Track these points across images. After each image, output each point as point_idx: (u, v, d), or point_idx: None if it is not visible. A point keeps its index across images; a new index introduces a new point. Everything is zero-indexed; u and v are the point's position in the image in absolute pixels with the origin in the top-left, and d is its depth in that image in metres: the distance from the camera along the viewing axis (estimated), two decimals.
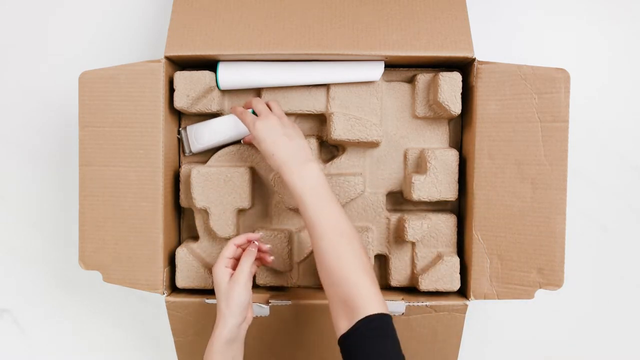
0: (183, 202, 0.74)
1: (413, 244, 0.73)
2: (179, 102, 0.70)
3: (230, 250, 0.64)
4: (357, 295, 0.54)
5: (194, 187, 0.71)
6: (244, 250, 0.65)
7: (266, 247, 0.66)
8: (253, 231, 0.73)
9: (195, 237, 0.76)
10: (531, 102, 0.66)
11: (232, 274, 0.62)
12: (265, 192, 0.74)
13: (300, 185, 0.60)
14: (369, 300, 0.54)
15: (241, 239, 0.65)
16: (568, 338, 0.85)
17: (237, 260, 0.65)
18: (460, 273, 0.72)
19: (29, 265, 0.86)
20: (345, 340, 0.54)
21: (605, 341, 0.85)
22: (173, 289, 0.73)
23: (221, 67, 0.70)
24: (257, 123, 0.64)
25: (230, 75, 0.70)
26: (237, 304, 0.60)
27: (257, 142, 0.64)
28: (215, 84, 0.71)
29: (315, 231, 0.59)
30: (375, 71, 0.70)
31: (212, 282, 0.63)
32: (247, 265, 0.62)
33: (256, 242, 0.65)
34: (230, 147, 0.73)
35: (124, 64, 0.68)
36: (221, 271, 0.62)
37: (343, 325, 0.54)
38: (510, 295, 0.68)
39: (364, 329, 0.53)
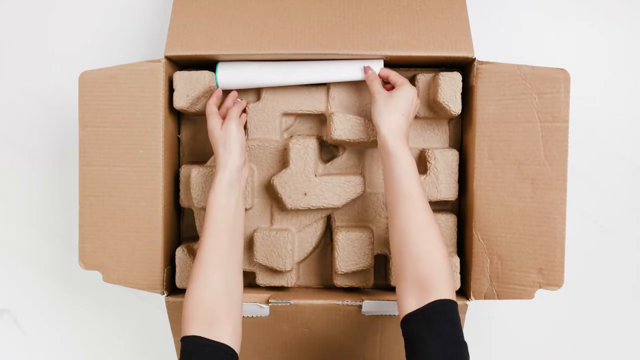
0: (183, 202, 0.74)
1: None
2: (179, 102, 0.70)
3: (213, 107, 0.67)
4: (437, 278, 0.55)
5: (193, 187, 0.71)
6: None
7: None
8: (254, 231, 0.73)
9: (195, 237, 0.76)
10: (531, 102, 0.66)
11: (224, 121, 0.65)
12: (265, 192, 0.74)
13: (403, 147, 0.61)
14: (446, 285, 0.55)
15: (216, 97, 0.68)
16: (568, 338, 0.85)
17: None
18: (460, 273, 0.72)
19: (29, 266, 0.86)
20: (413, 318, 0.54)
21: (605, 341, 0.85)
22: (173, 289, 0.73)
23: (220, 67, 0.70)
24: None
25: (229, 75, 0.70)
26: (234, 141, 0.63)
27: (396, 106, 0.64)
28: (215, 83, 0.71)
29: (405, 197, 0.59)
30: (374, 69, 0.69)
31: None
32: (237, 110, 0.66)
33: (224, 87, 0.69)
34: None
35: (124, 64, 0.68)
36: (214, 122, 0.65)
37: (411, 303, 0.55)
38: (510, 295, 0.68)
39: (435, 311, 0.54)
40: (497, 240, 0.68)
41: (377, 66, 0.70)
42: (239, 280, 0.61)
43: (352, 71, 0.70)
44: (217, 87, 0.71)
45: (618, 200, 0.83)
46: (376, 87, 0.66)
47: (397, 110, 0.63)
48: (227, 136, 0.63)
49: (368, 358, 0.73)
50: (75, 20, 0.84)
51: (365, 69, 0.68)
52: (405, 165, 0.60)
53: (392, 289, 0.75)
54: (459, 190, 0.72)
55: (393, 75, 0.68)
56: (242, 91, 0.74)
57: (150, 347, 0.86)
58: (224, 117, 0.67)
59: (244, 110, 0.73)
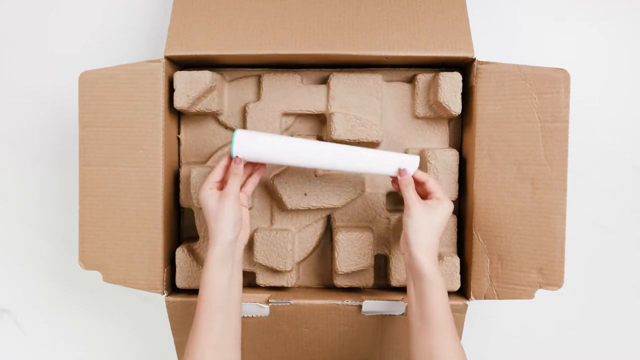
0: (183, 202, 0.74)
1: None
2: (179, 102, 0.70)
3: (218, 174, 0.62)
4: None
5: (194, 187, 0.71)
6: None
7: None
8: (254, 231, 0.73)
9: (195, 237, 0.76)
10: (531, 102, 0.66)
11: (220, 194, 0.61)
12: (265, 192, 0.74)
13: (437, 270, 0.59)
14: None
15: (226, 162, 0.63)
16: (568, 338, 0.85)
17: (222, 184, 0.63)
18: (460, 273, 0.72)
19: (29, 265, 0.86)
20: None
21: (605, 341, 0.85)
22: (173, 289, 0.73)
23: (238, 136, 0.62)
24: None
25: (247, 148, 0.62)
26: (227, 220, 0.59)
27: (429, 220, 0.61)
28: (214, 84, 0.71)
29: (436, 323, 0.58)
30: (408, 166, 0.63)
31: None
32: (236, 183, 0.60)
33: (240, 158, 0.61)
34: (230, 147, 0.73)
35: (124, 64, 0.68)
36: (207, 193, 0.61)
37: None
38: (510, 295, 0.68)
39: None
40: (497, 240, 0.68)
41: (412, 163, 0.63)
42: (236, 352, 0.60)
43: (383, 167, 0.63)
44: (232, 156, 0.63)
45: (618, 200, 0.83)
46: (411, 195, 0.61)
47: (434, 228, 0.60)
48: (219, 212, 0.59)
49: (368, 358, 0.73)
50: (75, 20, 0.84)
51: (401, 172, 0.62)
52: (439, 290, 0.59)
53: (392, 289, 0.75)
54: (459, 190, 0.72)
55: (431, 184, 0.63)
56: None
57: (150, 347, 0.86)
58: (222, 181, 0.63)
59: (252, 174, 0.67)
